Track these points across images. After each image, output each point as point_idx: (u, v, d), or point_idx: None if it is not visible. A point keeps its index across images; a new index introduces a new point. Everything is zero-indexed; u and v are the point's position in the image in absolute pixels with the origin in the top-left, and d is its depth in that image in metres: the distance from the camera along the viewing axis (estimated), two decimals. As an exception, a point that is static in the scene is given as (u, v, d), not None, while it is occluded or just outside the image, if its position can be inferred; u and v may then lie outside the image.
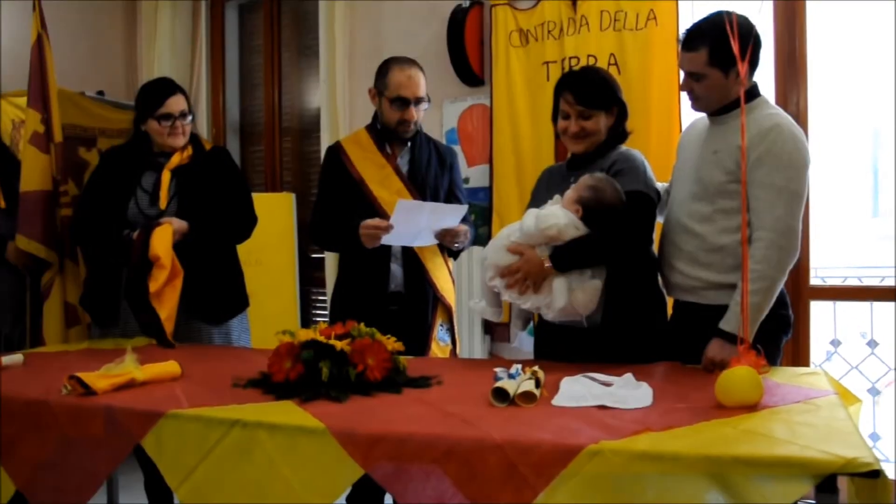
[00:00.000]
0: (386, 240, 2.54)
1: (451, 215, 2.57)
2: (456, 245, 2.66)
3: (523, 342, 3.54)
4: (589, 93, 2.27)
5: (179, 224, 2.70)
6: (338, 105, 4.05)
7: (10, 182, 3.14)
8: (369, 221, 2.53)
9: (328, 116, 4.08)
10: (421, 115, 2.71)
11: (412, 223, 2.53)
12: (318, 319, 4.41)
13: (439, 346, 2.73)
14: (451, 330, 2.81)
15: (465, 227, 2.62)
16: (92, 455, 1.80)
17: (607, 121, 2.29)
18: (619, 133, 2.33)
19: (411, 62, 2.71)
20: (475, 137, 3.76)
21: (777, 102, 3.06)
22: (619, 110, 2.31)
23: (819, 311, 3.16)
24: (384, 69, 2.71)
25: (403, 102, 2.65)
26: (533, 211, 2.21)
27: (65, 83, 3.51)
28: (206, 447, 1.65)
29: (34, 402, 1.89)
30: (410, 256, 2.69)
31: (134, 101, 2.90)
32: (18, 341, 3.16)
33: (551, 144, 3.40)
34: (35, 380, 2.08)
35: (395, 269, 2.69)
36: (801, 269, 3.04)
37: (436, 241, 2.62)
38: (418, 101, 2.67)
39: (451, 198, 2.77)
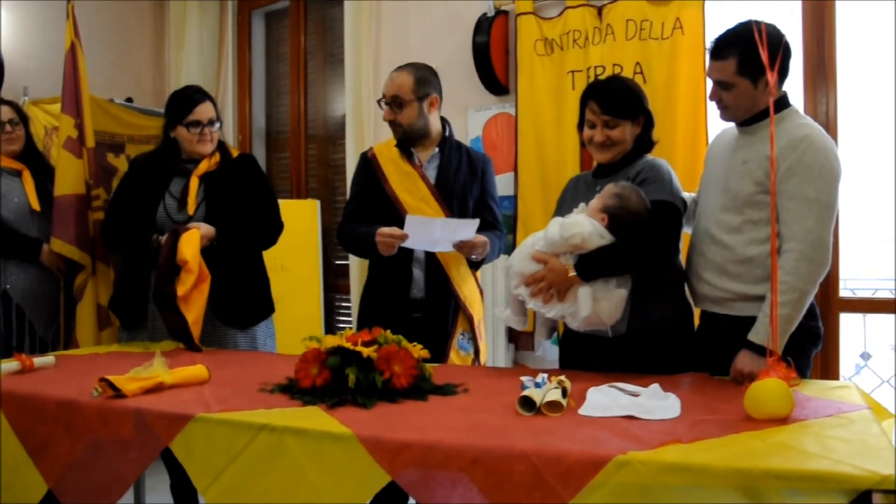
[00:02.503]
0: (405, 243, 2.56)
1: (463, 228, 2.54)
2: (473, 257, 2.62)
3: (547, 351, 3.53)
4: (614, 102, 2.26)
5: (207, 229, 2.73)
6: (363, 112, 4.08)
7: (44, 186, 3.20)
8: (385, 230, 2.55)
9: (353, 123, 4.11)
10: (404, 117, 2.68)
11: (426, 235, 2.54)
12: (342, 326, 4.43)
13: (459, 354, 2.71)
14: (473, 339, 2.78)
15: (482, 239, 2.58)
16: (121, 457, 1.82)
17: (633, 130, 2.29)
18: (645, 142, 2.33)
19: (406, 65, 2.74)
20: (500, 146, 3.76)
21: (806, 110, 3.04)
22: (645, 119, 2.31)
23: (849, 324, 3.13)
24: None
25: (384, 103, 2.71)
26: (557, 219, 2.21)
27: (94, 90, 3.57)
28: (233, 451, 1.67)
29: (66, 403, 1.91)
30: (433, 263, 2.69)
31: (163, 108, 2.94)
32: (52, 342, 3.21)
33: (577, 153, 3.40)
34: (67, 381, 2.11)
35: (418, 274, 2.70)
36: (831, 280, 3.00)
37: (450, 249, 2.59)
38: (392, 100, 2.68)
39: (481, 206, 2.75)
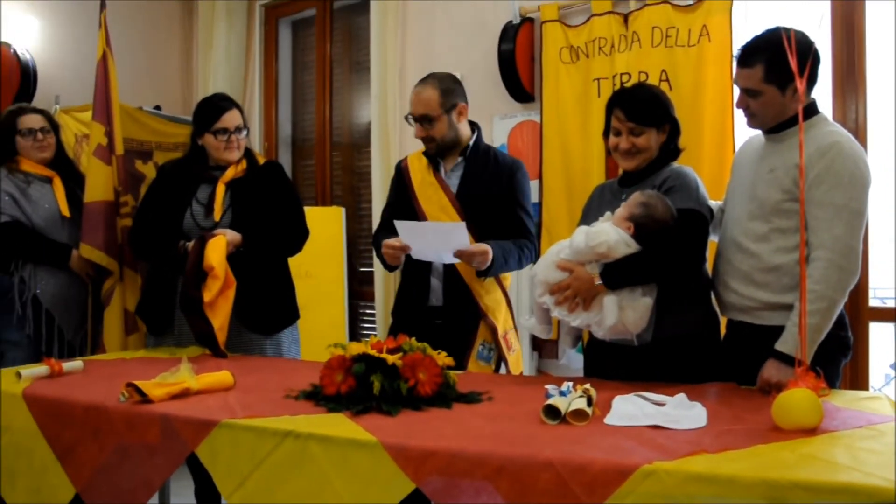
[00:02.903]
0: (414, 254, 2.56)
1: (455, 233, 2.48)
2: (475, 265, 2.53)
3: (571, 359, 3.51)
4: (640, 109, 2.25)
5: (233, 236, 2.75)
6: (389, 120, 4.09)
7: (74, 193, 3.25)
8: (387, 241, 2.56)
9: (379, 131, 4.13)
10: (436, 132, 2.67)
11: (424, 242, 2.54)
12: (367, 333, 4.44)
13: (479, 365, 2.67)
14: (496, 349, 2.73)
15: (481, 248, 2.49)
16: (147, 462, 1.83)
17: (658, 138, 2.28)
18: (670, 150, 2.31)
19: (429, 79, 2.71)
20: (525, 153, 3.75)
21: (834, 117, 3.01)
22: (671, 127, 2.29)
23: (878, 334, 3.08)
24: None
25: (413, 120, 2.69)
26: (583, 228, 2.20)
27: (123, 98, 3.61)
28: (258, 457, 1.67)
29: (93, 407, 1.94)
30: (451, 273, 2.67)
31: (191, 116, 2.97)
32: (80, 347, 3.26)
33: (602, 161, 3.39)
34: (94, 386, 2.13)
35: (435, 283, 2.69)
36: (860, 289, 2.96)
37: (457, 261, 2.56)
38: (422, 118, 2.66)
39: (507, 214, 2.69)
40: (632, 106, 2.26)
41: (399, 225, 2.51)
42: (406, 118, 2.74)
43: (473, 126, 2.80)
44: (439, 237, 2.53)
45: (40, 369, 2.27)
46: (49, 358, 2.40)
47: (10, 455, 2.07)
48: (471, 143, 2.75)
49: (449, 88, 2.69)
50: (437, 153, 2.74)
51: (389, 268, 2.69)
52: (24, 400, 2.06)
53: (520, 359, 2.85)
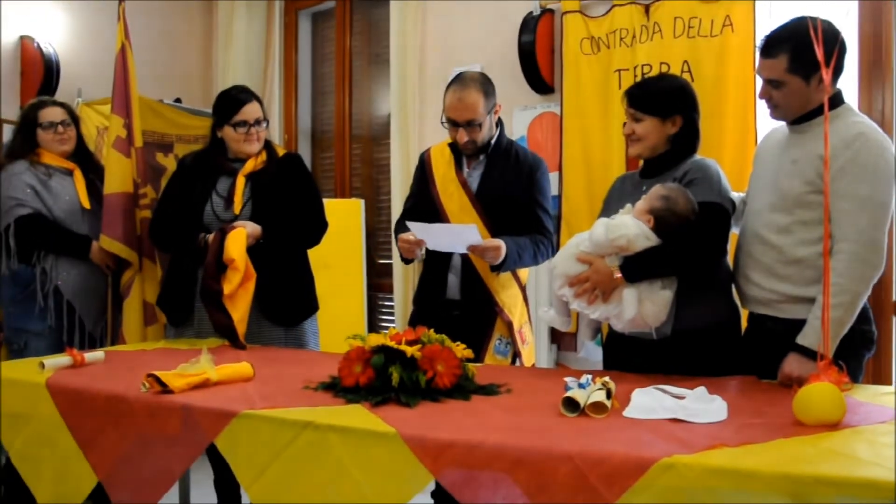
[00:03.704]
0: (429, 246, 2.57)
1: (467, 232, 2.48)
2: (487, 259, 2.54)
3: (590, 352, 3.50)
4: (639, 96, 2.26)
5: (253, 228, 2.76)
6: (408, 112, 4.10)
7: (94, 185, 3.28)
8: (402, 235, 2.57)
9: (398, 123, 4.13)
10: (481, 135, 2.64)
11: (439, 239, 2.55)
12: (385, 325, 4.45)
13: (495, 359, 2.68)
14: (511, 344, 2.73)
15: (494, 244, 2.49)
16: (168, 451, 1.85)
17: (664, 128, 2.24)
18: (684, 146, 2.27)
19: (468, 81, 2.63)
20: (545, 145, 3.73)
21: (860, 108, 2.96)
22: (683, 122, 2.25)
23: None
24: (447, 88, 2.68)
25: (453, 125, 2.64)
26: (603, 220, 2.19)
27: (144, 91, 3.63)
28: (278, 447, 1.68)
29: (115, 397, 1.96)
30: (469, 269, 2.67)
31: (211, 108, 2.98)
32: (100, 338, 3.29)
33: (622, 153, 3.36)
34: (116, 376, 2.15)
35: (452, 279, 2.69)
36: (884, 283, 2.92)
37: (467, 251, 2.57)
38: (468, 123, 2.61)
39: (526, 212, 2.68)
40: (633, 92, 2.29)
41: (412, 226, 2.53)
42: (443, 123, 2.68)
43: (497, 121, 2.78)
44: (452, 236, 2.54)
45: (63, 359, 2.29)
46: (71, 348, 2.42)
47: (34, 444, 2.10)
48: (493, 140, 2.72)
49: (489, 90, 2.66)
50: (473, 154, 2.72)
51: (406, 260, 2.70)
52: (47, 389, 2.08)
53: (532, 351, 2.86)
